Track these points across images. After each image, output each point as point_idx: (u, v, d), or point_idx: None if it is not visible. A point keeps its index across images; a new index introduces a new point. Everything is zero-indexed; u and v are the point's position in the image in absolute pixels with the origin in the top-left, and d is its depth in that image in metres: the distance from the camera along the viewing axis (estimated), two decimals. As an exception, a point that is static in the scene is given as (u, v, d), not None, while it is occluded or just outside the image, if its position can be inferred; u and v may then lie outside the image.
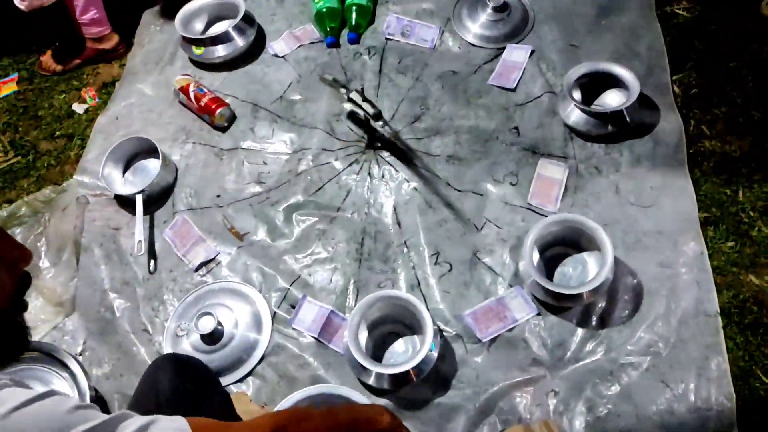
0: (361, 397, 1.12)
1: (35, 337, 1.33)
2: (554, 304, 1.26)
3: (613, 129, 1.45)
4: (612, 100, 1.51)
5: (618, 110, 1.43)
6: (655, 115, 1.49)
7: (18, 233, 1.45)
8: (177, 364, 1.01)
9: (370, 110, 1.36)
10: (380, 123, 1.40)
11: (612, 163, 1.44)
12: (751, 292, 1.27)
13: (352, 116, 1.38)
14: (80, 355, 1.34)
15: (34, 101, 1.75)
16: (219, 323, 1.27)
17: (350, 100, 1.39)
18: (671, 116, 1.49)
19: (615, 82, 1.48)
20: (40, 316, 1.35)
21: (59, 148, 1.65)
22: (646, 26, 1.64)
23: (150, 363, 1.04)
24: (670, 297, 1.26)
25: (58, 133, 1.68)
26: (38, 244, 1.44)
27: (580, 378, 1.21)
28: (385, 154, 1.51)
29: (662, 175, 1.41)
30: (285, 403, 1.09)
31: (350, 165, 1.51)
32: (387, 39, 1.71)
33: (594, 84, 1.50)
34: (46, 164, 1.63)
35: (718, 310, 1.24)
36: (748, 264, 1.30)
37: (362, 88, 1.36)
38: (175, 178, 1.54)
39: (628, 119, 1.45)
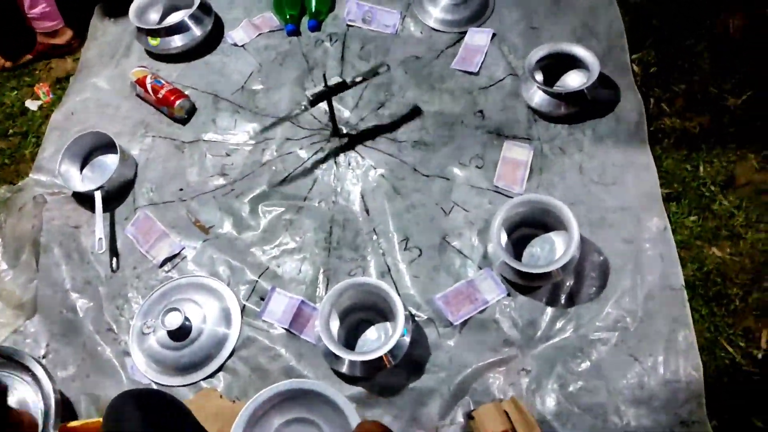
0: (332, 390, 1.11)
1: (-5, 342, 1.29)
2: (523, 284, 1.27)
3: (576, 109, 1.47)
4: (573, 80, 1.52)
5: (579, 90, 1.44)
6: (616, 94, 1.51)
7: (-28, 235, 1.40)
8: (140, 400, 0.97)
9: (336, 81, 1.34)
10: (350, 86, 1.38)
11: (575, 143, 1.45)
12: (714, 264, 1.29)
13: (316, 102, 1.36)
14: (44, 357, 1.30)
15: (-16, 98, 1.69)
16: (186, 319, 1.25)
17: (313, 102, 1.36)
18: (631, 95, 1.50)
19: (576, 62, 1.49)
20: (0, 320, 1.30)
21: (13, 147, 1.59)
22: (605, 6, 1.65)
23: (110, 401, 0.96)
24: (636, 272, 1.28)
25: (11, 131, 1.62)
26: (-6, 246, 1.39)
27: (551, 356, 1.22)
28: (350, 141, 1.50)
29: (624, 153, 1.43)
30: (257, 399, 1.07)
31: (315, 153, 1.49)
32: (348, 26, 1.69)
33: (555, 65, 1.51)
34: (0, 164, 1.57)
35: (683, 284, 1.26)
36: (711, 237, 1.33)
37: (324, 74, 1.34)
38: (135, 173, 1.50)
39: (589, 98, 1.46)
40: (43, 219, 1.44)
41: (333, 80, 1.35)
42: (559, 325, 1.25)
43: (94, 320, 1.33)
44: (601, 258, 1.31)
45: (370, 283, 1.20)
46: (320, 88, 1.36)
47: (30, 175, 1.51)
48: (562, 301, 1.27)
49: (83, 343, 1.31)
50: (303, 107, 1.36)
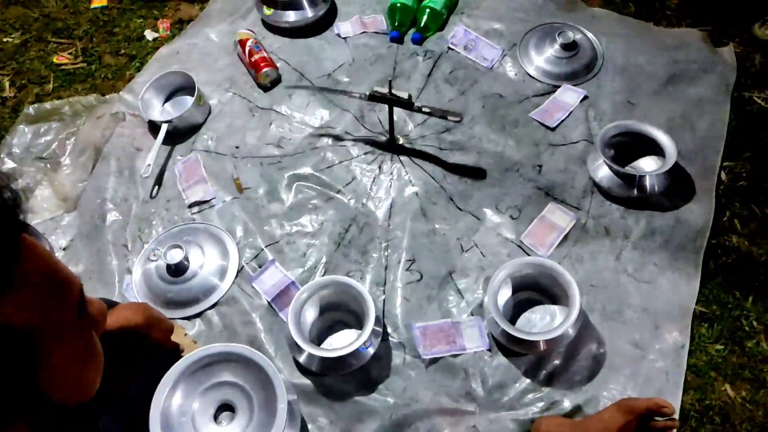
0: (273, 369, 1.10)
1: (32, 221, 1.43)
2: (507, 345, 1.21)
3: (638, 195, 1.38)
4: (647, 166, 1.43)
5: (647, 176, 1.36)
6: (689, 194, 1.40)
7: (54, 128, 1.56)
8: None
9: (403, 96, 1.36)
10: (414, 108, 1.38)
11: (624, 228, 1.36)
12: (720, 402, 1.16)
13: (372, 99, 1.38)
14: (64, 249, 1.43)
15: (114, 18, 1.88)
16: (186, 258, 1.31)
17: (372, 97, 1.38)
18: (706, 201, 1.39)
19: (654, 148, 1.41)
20: (44, 205, 1.45)
21: (119, 65, 1.76)
22: (715, 105, 1.54)
23: None
24: (631, 379, 1.18)
25: (123, 51, 1.79)
26: (67, 142, 1.55)
27: (507, 427, 1.15)
28: (402, 153, 1.51)
29: (672, 256, 1.32)
30: (193, 356, 1.09)
31: (365, 154, 1.52)
32: (449, 48, 1.70)
33: (633, 145, 1.43)
34: (103, 76, 1.74)
35: (677, 409, 1.14)
36: (730, 373, 1.20)
37: (390, 81, 1.36)
38: (205, 120, 1.60)
39: (656, 189, 1.37)
40: (114, 133, 1.57)
41: (403, 93, 1.36)
42: (527, 398, 1.17)
43: (116, 233, 1.44)
44: (601, 351, 1.22)
45: (353, 285, 1.20)
46: (386, 91, 1.38)
47: (120, 92, 1.67)
48: (541, 378, 1.19)
49: (98, 248, 1.42)
50: (360, 95, 1.39)
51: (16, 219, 0.43)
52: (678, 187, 1.40)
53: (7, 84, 1.76)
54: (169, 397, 1.08)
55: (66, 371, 0.49)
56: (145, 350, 1.10)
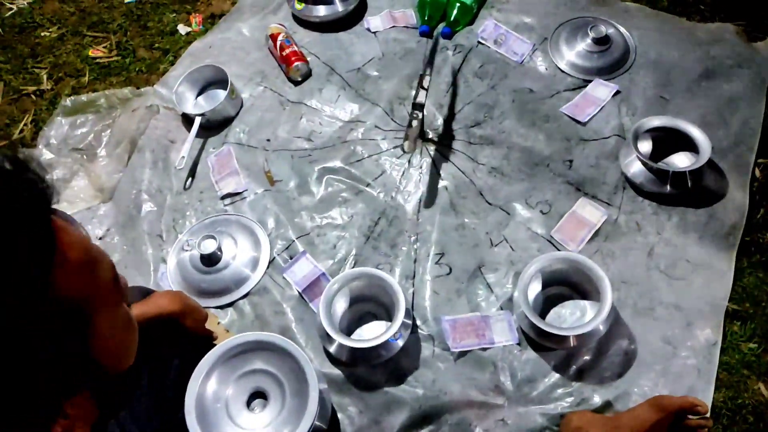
0: (305, 358, 1.11)
1: (69, 211, 1.46)
2: (537, 340, 1.21)
3: (672, 191, 1.36)
4: (680, 161, 1.41)
5: (681, 172, 1.34)
6: (723, 191, 1.38)
7: (90, 119, 1.60)
8: None
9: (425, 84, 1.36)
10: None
11: (656, 224, 1.35)
12: (753, 400, 1.15)
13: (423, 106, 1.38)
14: (100, 239, 1.46)
15: (148, 13, 1.91)
16: (219, 249, 1.34)
17: (418, 107, 1.37)
18: (739, 197, 1.37)
19: (688, 144, 1.39)
20: (80, 195, 1.48)
21: (153, 59, 1.80)
22: (749, 101, 1.52)
23: None
24: (661, 375, 1.18)
25: (156, 45, 1.82)
26: (103, 133, 1.58)
27: (536, 421, 1.15)
28: (431, 147, 1.51)
29: (705, 252, 1.31)
30: (227, 344, 1.11)
31: (395, 147, 1.52)
32: (479, 42, 1.70)
33: (665, 140, 1.41)
34: (137, 69, 1.78)
35: (709, 406, 1.13)
36: (764, 371, 1.18)
37: (420, 76, 1.36)
38: (237, 113, 1.63)
39: (689, 184, 1.36)
40: (149, 125, 1.60)
41: (425, 80, 1.37)
42: (557, 393, 1.17)
43: (151, 223, 1.47)
44: (632, 347, 1.21)
45: (383, 278, 1.21)
46: (423, 92, 1.38)
47: (155, 86, 1.70)
48: (571, 373, 1.19)
49: (134, 238, 1.45)
50: (414, 115, 1.36)
51: (48, 206, 0.48)
52: (711, 183, 1.39)
53: (44, 77, 1.80)
54: (204, 384, 1.11)
55: (111, 338, 0.55)
56: (180, 337, 1.13)
